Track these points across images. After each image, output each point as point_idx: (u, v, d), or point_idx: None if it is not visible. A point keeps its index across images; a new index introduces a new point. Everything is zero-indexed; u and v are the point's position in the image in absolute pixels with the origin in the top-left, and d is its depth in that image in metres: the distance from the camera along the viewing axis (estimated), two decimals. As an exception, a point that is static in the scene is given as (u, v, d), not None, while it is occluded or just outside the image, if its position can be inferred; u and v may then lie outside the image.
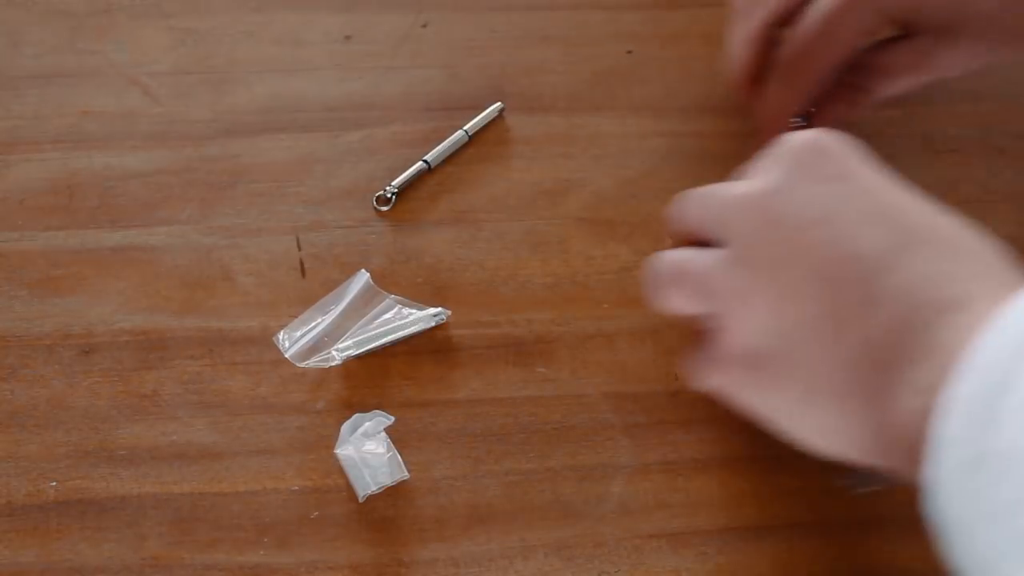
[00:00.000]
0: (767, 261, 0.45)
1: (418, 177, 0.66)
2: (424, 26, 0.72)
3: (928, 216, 0.44)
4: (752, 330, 0.45)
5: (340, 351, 0.59)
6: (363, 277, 0.61)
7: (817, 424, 0.44)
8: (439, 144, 0.67)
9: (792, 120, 0.63)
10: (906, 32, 0.61)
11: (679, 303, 0.49)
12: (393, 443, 0.57)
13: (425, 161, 0.66)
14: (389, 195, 0.65)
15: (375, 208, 0.65)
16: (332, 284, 0.61)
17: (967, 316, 0.39)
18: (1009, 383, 0.34)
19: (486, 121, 0.68)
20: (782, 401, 0.45)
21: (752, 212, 0.46)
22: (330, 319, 0.60)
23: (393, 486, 0.56)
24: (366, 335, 0.60)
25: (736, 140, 0.68)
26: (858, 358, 0.41)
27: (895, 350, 0.40)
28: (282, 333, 0.59)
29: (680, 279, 0.48)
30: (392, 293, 0.61)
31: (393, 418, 0.56)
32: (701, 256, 0.48)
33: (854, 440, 0.43)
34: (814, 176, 0.45)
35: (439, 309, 0.61)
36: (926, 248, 0.42)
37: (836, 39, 0.59)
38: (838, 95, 0.64)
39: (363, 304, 0.60)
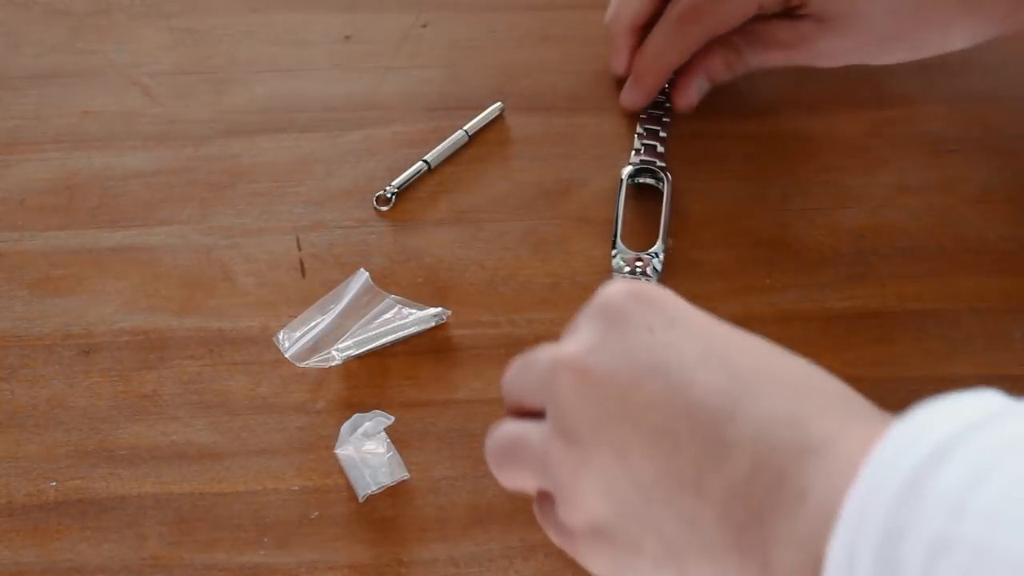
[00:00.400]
0: (592, 426, 0.41)
1: (418, 177, 0.66)
2: (424, 26, 0.72)
3: (764, 356, 0.41)
4: (589, 503, 0.41)
5: (340, 351, 0.59)
6: (362, 276, 0.61)
7: None
8: (439, 144, 0.67)
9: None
10: (794, 11, 0.64)
11: (516, 481, 0.45)
12: (393, 443, 0.57)
13: (425, 161, 0.66)
14: (389, 195, 0.65)
15: (375, 208, 0.65)
16: (332, 284, 0.61)
17: (826, 460, 0.36)
18: (902, 529, 0.32)
19: (486, 121, 0.68)
20: (640, 570, 0.41)
21: (570, 375, 0.42)
22: (330, 319, 0.60)
23: (393, 486, 0.56)
24: (366, 335, 0.60)
25: (736, 140, 0.68)
26: (719, 513, 0.38)
27: (759, 500, 0.37)
28: (282, 333, 0.59)
29: (511, 456, 0.45)
30: (392, 293, 0.61)
31: (393, 418, 0.56)
32: (530, 429, 0.44)
33: None
34: (638, 327, 0.41)
35: (439, 309, 0.61)
36: (766, 389, 0.38)
37: (731, 5, 0.63)
38: (714, 53, 0.66)
39: (363, 304, 0.60)
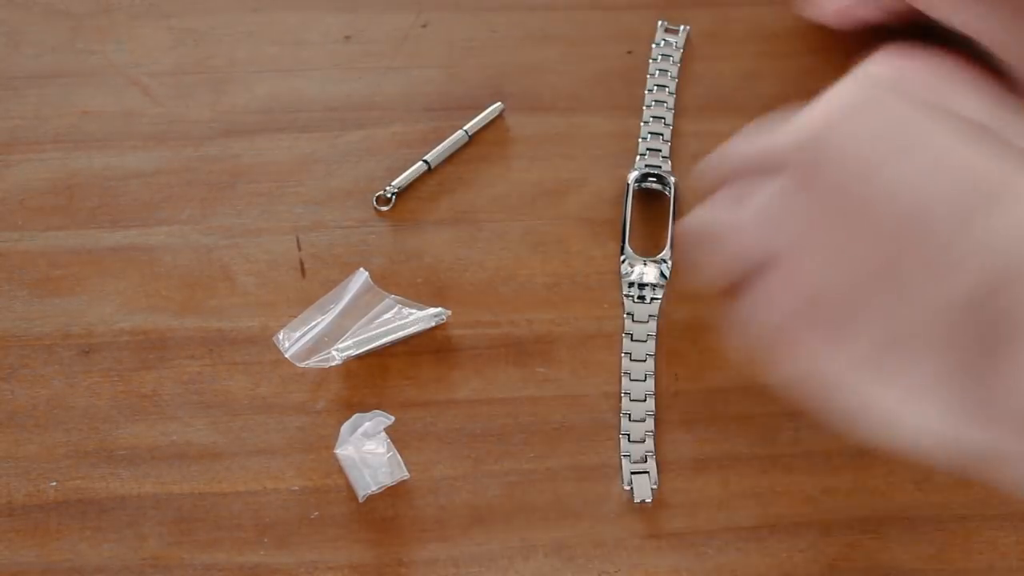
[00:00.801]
0: (833, 191, 0.39)
1: (418, 177, 0.66)
2: (424, 26, 0.72)
3: (1011, 172, 0.38)
4: (816, 267, 0.39)
5: (340, 351, 0.59)
6: (362, 276, 0.61)
7: (894, 386, 0.38)
8: (439, 144, 0.67)
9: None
10: None
11: (736, 243, 0.42)
12: (393, 443, 0.57)
13: (425, 161, 0.66)
14: (389, 195, 0.65)
15: (375, 208, 0.65)
16: (332, 284, 0.61)
17: None
18: None
19: (486, 121, 0.68)
20: (851, 354, 0.38)
21: (815, 136, 0.41)
22: (330, 319, 0.60)
23: (393, 486, 0.56)
24: (366, 335, 0.60)
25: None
26: (950, 317, 0.36)
27: (994, 317, 0.35)
28: (282, 333, 0.59)
29: (735, 212, 0.42)
30: (392, 293, 0.61)
31: (393, 418, 0.56)
32: (758, 186, 0.42)
33: (950, 406, 0.37)
34: (889, 109, 0.40)
35: (439, 309, 0.61)
36: (1006, 206, 0.37)
37: None
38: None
39: (363, 304, 0.60)
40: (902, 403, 0.38)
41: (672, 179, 0.65)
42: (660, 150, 0.66)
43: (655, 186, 0.66)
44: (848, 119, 0.40)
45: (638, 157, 0.66)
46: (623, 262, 0.62)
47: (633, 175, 0.65)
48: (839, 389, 0.39)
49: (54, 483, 0.57)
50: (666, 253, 0.63)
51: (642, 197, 0.66)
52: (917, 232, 0.37)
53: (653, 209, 0.65)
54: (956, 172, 0.38)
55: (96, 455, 0.57)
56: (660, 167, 0.66)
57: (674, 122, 0.68)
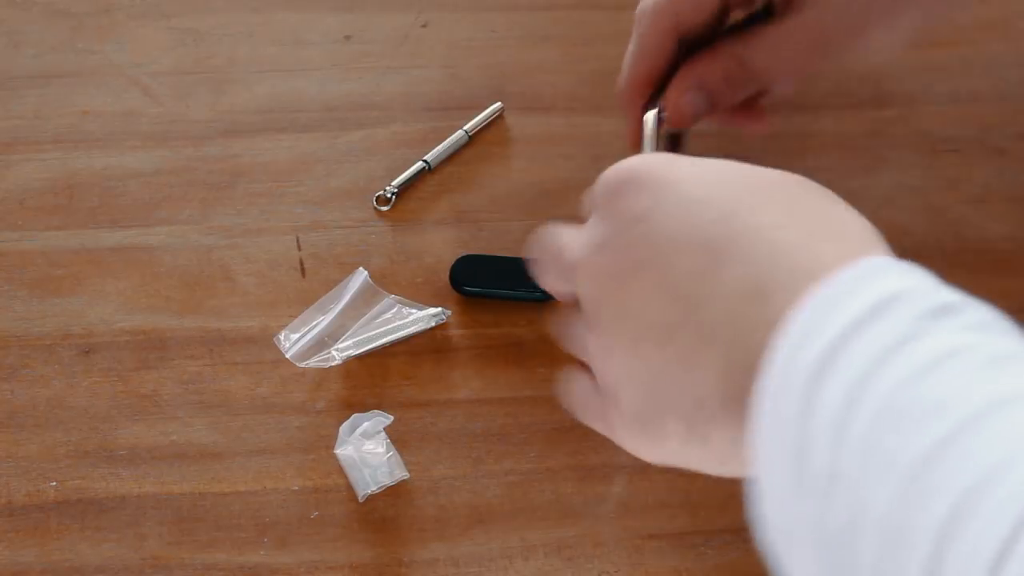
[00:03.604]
0: (610, 320, 0.43)
1: (418, 177, 0.66)
2: (424, 26, 0.72)
3: (743, 216, 0.41)
4: (621, 392, 0.43)
5: (340, 351, 0.59)
6: (361, 276, 0.61)
7: (663, 448, 0.43)
8: (439, 144, 0.67)
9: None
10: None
11: (553, 272, 0.48)
12: (393, 443, 0.57)
13: (425, 161, 0.66)
14: (389, 195, 0.65)
15: (375, 208, 0.65)
16: (332, 284, 0.61)
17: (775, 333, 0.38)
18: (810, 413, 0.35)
19: (486, 121, 0.68)
20: (673, 450, 0.43)
21: (585, 276, 0.44)
22: (330, 319, 0.60)
23: (393, 486, 0.56)
24: (366, 335, 0.60)
25: (735, 140, 0.68)
26: (719, 387, 0.40)
27: (743, 376, 0.39)
28: (282, 333, 0.59)
29: (567, 342, 0.48)
30: (392, 293, 0.61)
31: (392, 417, 0.56)
32: (576, 321, 0.46)
33: (700, 461, 0.42)
34: (630, 218, 0.43)
35: (439, 309, 0.61)
36: (739, 255, 0.40)
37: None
38: (708, 61, 0.58)
39: (363, 304, 0.60)
40: (675, 456, 0.43)
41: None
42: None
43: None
44: (600, 248, 0.44)
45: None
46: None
47: (651, 114, 0.60)
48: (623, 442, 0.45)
49: (54, 483, 0.57)
50: None
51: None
52: (679, 313, 0.41)
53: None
54: (701, 238, 0.41)
55: (96, 455, 0.57)
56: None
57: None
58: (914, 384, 0.33)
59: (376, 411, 0.56)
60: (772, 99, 0.61)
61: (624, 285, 0.43)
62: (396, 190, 0.65)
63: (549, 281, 0.49)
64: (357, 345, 0.59)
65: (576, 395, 0.47)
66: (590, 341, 0.44)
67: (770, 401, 0.36)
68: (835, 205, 0.43)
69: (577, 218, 0.65)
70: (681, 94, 0.58)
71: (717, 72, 0.58)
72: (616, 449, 0.58)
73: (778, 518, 0.36)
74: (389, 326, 0.60)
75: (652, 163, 0.44)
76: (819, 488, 0.34)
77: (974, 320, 0.35)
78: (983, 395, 0.32)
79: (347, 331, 0.60)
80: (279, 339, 0.59)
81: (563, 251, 0.47)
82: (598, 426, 0.47)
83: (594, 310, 0.44)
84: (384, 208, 0.65)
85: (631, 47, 0.59)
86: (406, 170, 0.66)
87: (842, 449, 0.33)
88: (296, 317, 0.60)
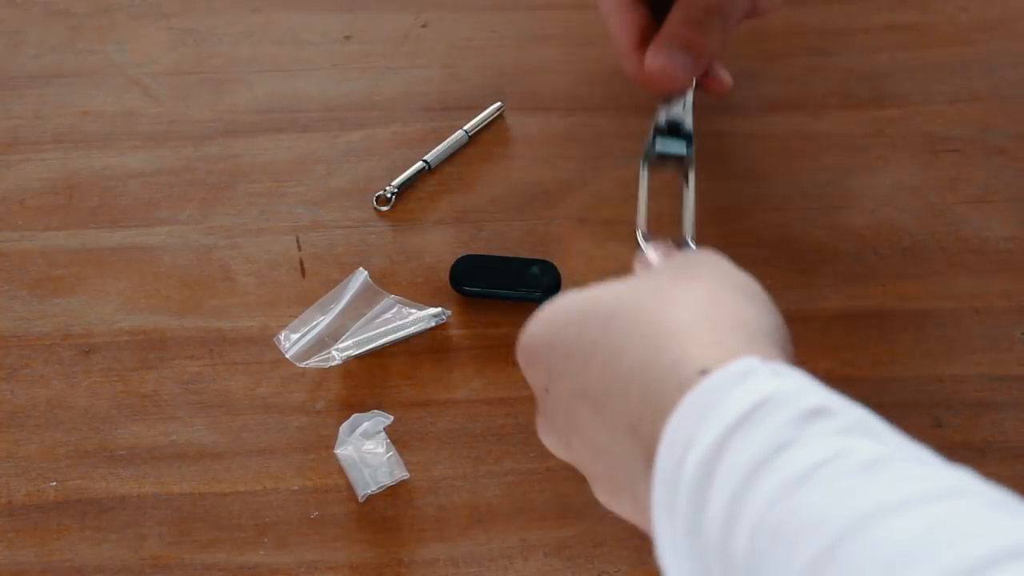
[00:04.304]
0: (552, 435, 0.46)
1: (418, 177, 0.66)
2: (424, 26, 0.72)
3: (601, 351, 0.42)
4: (573, 461, 0.46)
5: (340, 351, 0.59)
6: (361, 275, 0.61)
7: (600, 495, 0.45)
8: (439, 144, 0.67)
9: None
10: None
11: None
12: (393, 443, 0.57)
13: (425, 161, 0.66)
14: (389, 195, 0.65)
15: (375, 208, 0.65)
16: (332, 284, 0.61)
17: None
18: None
19: (486, 121, 0.68)
20: (619, 502, 0.44)
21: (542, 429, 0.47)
22: (330, 319, 0.60)
23: (393, 486, 0.56)
24: (366, 335, 0.60)
25: (735, 140, 0.68)
26: (636, 449, 0.41)
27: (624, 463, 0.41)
28: (282, 333, 0.59)
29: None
30: (392, 293, 0.61)
31: (392, 417, 0.56)
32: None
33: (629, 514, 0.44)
34: (539, 389, 0.46)
35: (439, 309, 0.61)
36: (628, 392, 0.41)
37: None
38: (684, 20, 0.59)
39: (363, 304, 0.60)
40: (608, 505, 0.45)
41: (691, 172, 0.60)
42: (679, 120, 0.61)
43: (672, 151, 0.60)
44: (543, 406, 0.46)
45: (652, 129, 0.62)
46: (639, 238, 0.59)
47: (651, 144, 0.59)
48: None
49: (54, 483, 0.57)
50: (687, 229, 0.59)
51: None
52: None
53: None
54: (595, 389, 0.43)
55: (96, 455, 0.57)
56: (683, 120, 0.60)
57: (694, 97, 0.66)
58: (789, 497, 0.33)
59: (376, 411, 0.56)
60: (767, 14, 0.61)
61: (567, 444, 0.45)
62: (396, 190, 0.65)
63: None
64: (357, 345, 0.59)
65: None
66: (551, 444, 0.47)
67: (662, 520, 0.37)
68: (725, 300, 0.43)
69: (570, 219, 0.65)
70: (660, 59, 0.58)
71: (690, 24, 0.58)
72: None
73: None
74: (389, 326, 0.60)
75: (535, 332, 0.45)
76: None
77: (846, 423, 0.35)
78: (854, 509, 0.32)
79: (347, 331, 0.60)
80: (279, 339, 0.59)
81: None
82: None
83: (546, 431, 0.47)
84: (384, 208, 0.65)
85: (607, 25, 0.61)
86: (406, 170, 0.66)
87: (730, 567, 0.34)
88: (296, 317, 0.60)
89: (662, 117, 0.59)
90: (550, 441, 0.47)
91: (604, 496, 0.44)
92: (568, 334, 0.44)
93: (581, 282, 0.62)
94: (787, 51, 0.71)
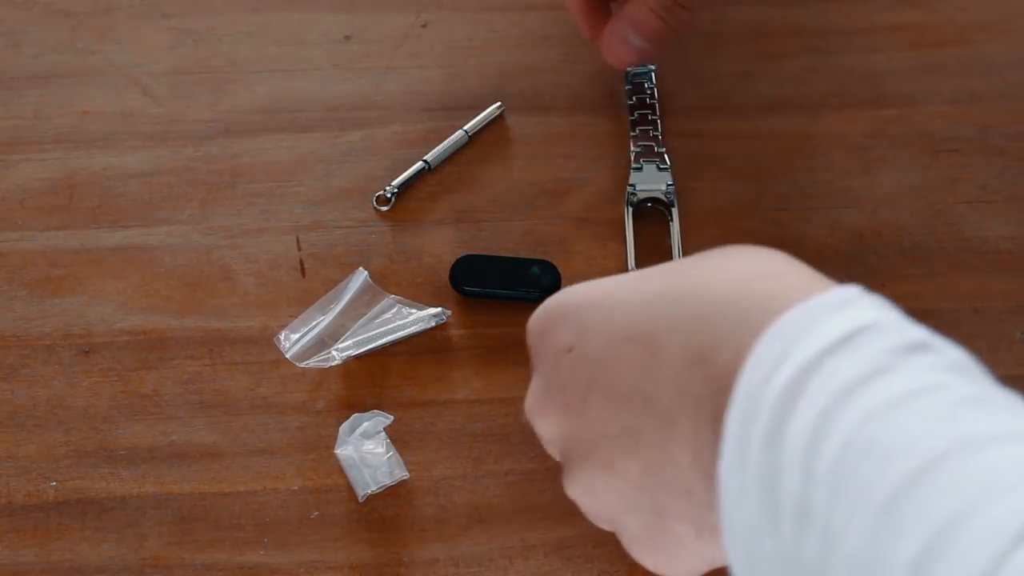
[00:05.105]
0: (572, 453, 0.42)
1: (418, 177, 0.66)
2: (424, 26, 0.72)
3: (667, 295, 0.40)
4: (598, 513, 0.43)
5: (340, 351, 0.59)
6: (361, 275, 0.61)
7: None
8: (439, 144, 0.67)
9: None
10: None
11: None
12: (393, 443, 0.57)
13: (425, 161, 0.66)
14: (389, 195, 0.65)
15: (375, 208, 0.65)
16: (332, 284, 0.61)
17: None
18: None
19: (486, 121, 0.68)
20: (674, 549, 0.42)
21: (543, 425, 0.44)
22: (330, 319, 0.60)
23: (393, 486, 0.56)
24: (366, 335, 0.60)
25: (736, 140, 0.68)
26: (695, 480, 0.39)
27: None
28: (282, 333, 0.59)
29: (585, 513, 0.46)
30: (392, 293, 0.61)
31: (392, 417, 0.56)
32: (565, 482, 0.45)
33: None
34: (558, 353, 0.42)
35: (439, 309, 0.61)
36: (672, 347, 0.39)
37: None
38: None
39: (363, 304, 0.60)
40: (702, 558, 0.42)
41: (673, 207, 0.64)
42: (652, 146, 0.66)
43: (658, 206, 0.65)
44: (545, 390, 0.43)
45: (632, 155, 0.66)
46: None
47: (630, 207, 0.64)
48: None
49: (54, 483, 0.57)
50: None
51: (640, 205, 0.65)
52: (643, 427, 0.40)
53: (653, 220, 0.65)
54: (631, 342, 0.40)
55: (96, 455, 0.57)
56: (662, 190, 0.65)
57: (669, 125, 0.67)
58: (885, 418, 0.33)
59: (376, 411, 0.56)
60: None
61: (578, 416, 0.41)
62: (396, 190, 0.65)
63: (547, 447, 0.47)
64: (357, 345, 0.59)
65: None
66: (575, 490, 0.43)
67: (736, 431, 0.35)
68: (778, 261, 0.41)
69: (570, 219, 0.65)
70: (615, 40, 0.62)
71: (646, 13, 0.61)
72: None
73: (746, 552, 0.35)
74: (389, 326, 0.60)
75: (568, 294, 0.44)
76: (788, 521, 0.33)
77: (947, 360, 0.35)
78: (954, 433, 0.32)
79: (347, 331, 0.60)
80: (279, 339, 0.59)
81: (528, 415, 0.45)
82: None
83: (564, 455, 0.43)
84: (384, 208, 0.65)
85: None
86: (406, 170, 0.66)
87: (812, 481, 0.33)
88: (296, 317, 0.60)
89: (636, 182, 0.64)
90: (555, 417, 0.43)
91: (654, 536, 0.41)
92: (624, 290, 0.41)
93: (581, 282, 0.63)
94: (786, 51, 0.71)
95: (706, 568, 0.42)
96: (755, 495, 0.34)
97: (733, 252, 0.41)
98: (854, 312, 0.35)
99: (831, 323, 0.35)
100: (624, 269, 0.63)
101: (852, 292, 0.36)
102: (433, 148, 0.67)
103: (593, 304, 0.42)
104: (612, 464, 0.40)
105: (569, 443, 0.42)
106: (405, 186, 0.66)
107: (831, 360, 0.34)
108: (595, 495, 0.42)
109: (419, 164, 0.66)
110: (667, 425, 0.39)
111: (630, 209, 0.64)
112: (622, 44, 0.62)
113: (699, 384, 0.38)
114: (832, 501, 0.32)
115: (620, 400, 0.40)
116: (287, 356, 0.58)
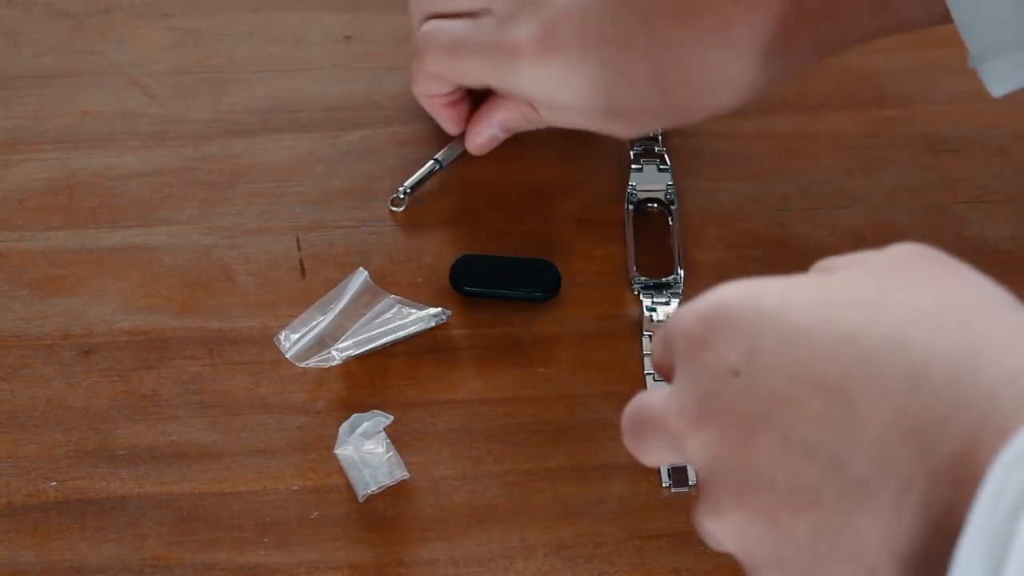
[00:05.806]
0: (730, 493, 0.38)
1: (430, 176, 0.66)
2: (424, 26, 0.72)
3: (859, 337, 0.36)
4: (749, 560, 0.39)
5: (340, 351, 0.59)
6: (361, 275, 0.61)
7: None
8: (439, 143, 0.67)
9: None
10: None
11: (658, 432, 0.41)
12: (393, 443, 0.57)
13: (436, 160, 0.66)
14: (402, 195, 0.65)
15: (390, 210, 0.65)
16: (332, 284, 0.61)
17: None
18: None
19: (486, 121, 0.68)
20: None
21: (697, 452, 0.39)
22: (330, 319, 0.60)
23: (393, 486, 0.56)
24: (366, 335, 0.60)
25: (736, 140, 0.68)
26: (889, 550, 0.35)
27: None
28: (282, 333, 0.59)
29: (657, 397, 0.42)
30: (392, 293, 0.61)
31: (392, 417, 0.56)
32: (698, 507, 0.41)
33: None
34: (723, 373, 0.38)
35: (439, 309, 0.61)
36: (867, 401, 0.35)
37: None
38: (508, 106, 0.64)
39: (363, 304, 0.60)
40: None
41: (673, 206, 0.64)
42: (654, 147, 0.66)
43: (656, 206, 0.65)
44: (700, 415, 0.39)
45: (631, 155, 0.66)
46: (635, 288, 0.62)
47: (630, 205, 0.65)
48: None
49: (54, 483, 0.57)
50: (678, 275, 0.62)
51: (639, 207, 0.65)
52: (821, 483, 0.36)
53: (653, 223, 0.65)
54: (814, 385, 0.37)
55: (96, 455, 0.57)
56: (661, 189, 0.65)
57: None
58: None
59: (376, 411, 0.56)
60: None
61: (742, 453, 0.37)
62: (408, 190, 0.65)
63: (652, 456, 0.42)
64: (357, 345, 0.59)
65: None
66: (719, 527, 0.39)
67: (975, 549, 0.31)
68: (959, 277, 0.38)
69: (570, 219, 0.65)
70: (479, 135, 0.65)
71: (514, 113, 0.64)
72: (616, 449, 0.58)
73: None
74: (389, 326, 0.60)
75: (733, 299, 0.39)
76: None
77: None
78: None
79: (347, 331, 0.60)
80: (279, 339, 0.59)
81: (660, 423, 0.40)
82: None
83: (709, 482, 0.38)
84: (398, 210, 0.65)
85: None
86: (406, 170, 0.66)
87: None
88: (296, 317, 0.60)
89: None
90: (707, 437, 0.38)
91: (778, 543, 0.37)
92: (805, 313, 0.37)
93: (581, 282, 0.63)
94: (787, 51, 0.70)
95: None
96: None
97: (909, 276, 0.38)
98: None
99: None
100: (624, 269, 0.63)
101: None
102: (436, 147, 0.67)
103: (763, 321, 0.38)
104: (776, 518, 0.37)
105: (719, 472, 0.38)
106: (418, 186, 0.65)
107: None
108: (743, 541, 0.38)
109: (430, 164, 0.66)
110: (858, 495, 0.35)
111: (630, 209, 0.64)
112: (491, 140, 0.65)
113: (909, 465, 0.34)
114: None
115: (799, 452, 0.36)
116: (287, 356, 0.58)
